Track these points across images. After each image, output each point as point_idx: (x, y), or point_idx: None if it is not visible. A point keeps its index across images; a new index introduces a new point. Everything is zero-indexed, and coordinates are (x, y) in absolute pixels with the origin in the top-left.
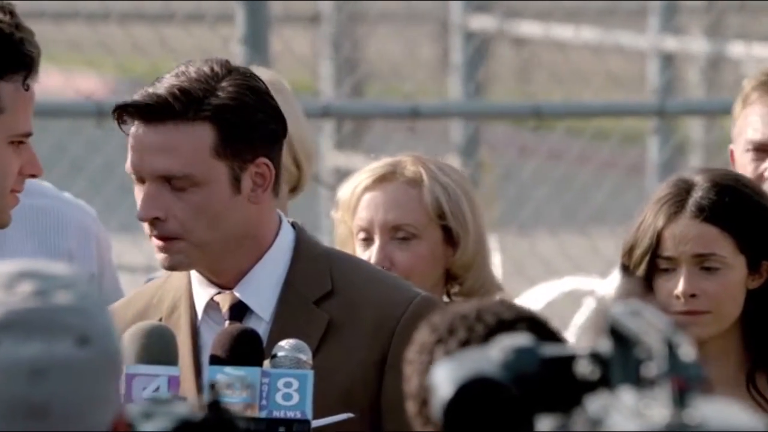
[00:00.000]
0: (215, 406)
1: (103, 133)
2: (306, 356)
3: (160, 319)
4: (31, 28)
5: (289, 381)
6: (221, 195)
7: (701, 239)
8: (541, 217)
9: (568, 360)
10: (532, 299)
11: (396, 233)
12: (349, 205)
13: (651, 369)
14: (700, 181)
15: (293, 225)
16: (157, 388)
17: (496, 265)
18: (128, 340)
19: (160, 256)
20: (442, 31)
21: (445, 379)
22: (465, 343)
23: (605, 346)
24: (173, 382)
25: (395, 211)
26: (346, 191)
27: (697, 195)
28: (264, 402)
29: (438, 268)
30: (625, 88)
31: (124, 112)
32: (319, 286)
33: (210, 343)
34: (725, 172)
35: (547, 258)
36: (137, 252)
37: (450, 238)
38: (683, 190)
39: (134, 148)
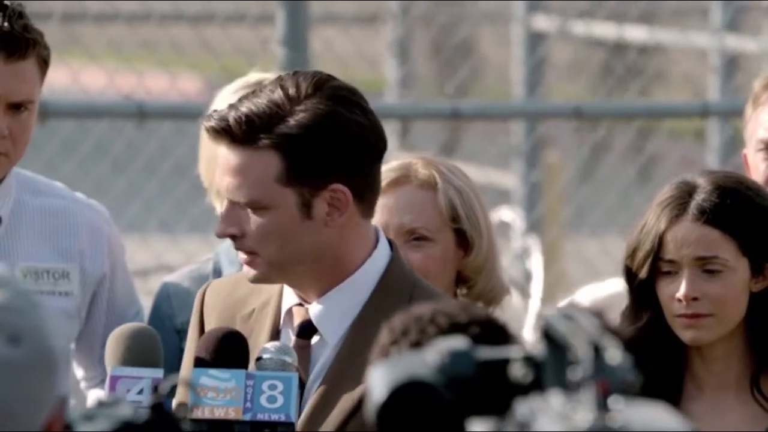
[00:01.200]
0: (159, 409)
1: (144, 133)
2: (291, 359)
3: (254, 310)
4: (40, 30)
5: (273, 383)
6: (289, 219)
7: (703, 242)
8: (614, 219)
9: (503, 363)
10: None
11: (410, 236)
12: None
13: (577, 372)
14: (703, 184)
15: (392, 247)
16: (141, 390)
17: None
18: (112, 341)
19: (245, 269)
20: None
21: (379, 382)
22: (416, 345)
23: (539, 349)
24: (157, 384)
25: (410, 214)
26: None
27: (699, 198)
28: (248, 404)
29: (450, 270)
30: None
31: (206, 131)
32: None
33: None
34: (728, 174)
35: (618, 259)
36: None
37: (461, 240)
38: (686, 192)
39: (218, 166)
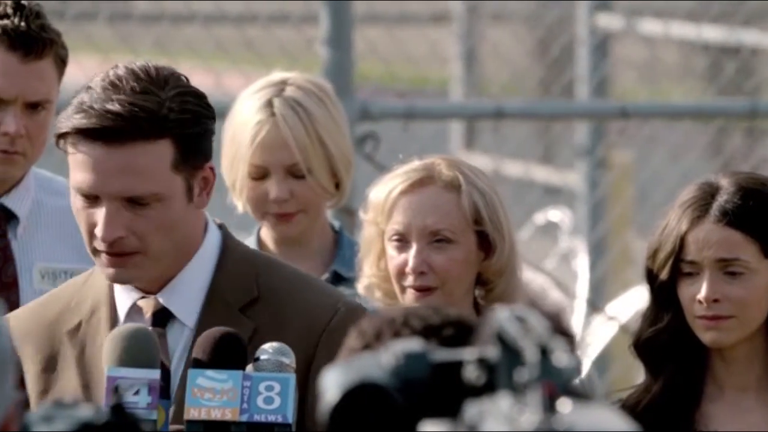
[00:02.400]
0: (118, 409)
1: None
2: (289, 360)
3: (80, 322)
4: (57, 29)
5: (270, 384)
6: (178, 206)
7: (725, 244)
8: None
9: (457, 366)
10: (629, 302)
11: (434, 238)
12: (384, 208)
13: (523, 374)
14: (726, 185)
15: (220, 227)
16: (138, 392)
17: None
18: (109, 342)
19: (111, 271)
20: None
21: (332, 384)
22: None
23: (492, 351)
24: (153, 385)
25: (434, 215)
26: (379, 194)
27: (721, 199)
28: (245, 406)
29: (471, 272)
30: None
31: (79, 134)
32: (245, 293)
33: None
34: (752, 175)
35: None
36: None
37: (483, 243)
38: (708, 194)
39: (93, 169)
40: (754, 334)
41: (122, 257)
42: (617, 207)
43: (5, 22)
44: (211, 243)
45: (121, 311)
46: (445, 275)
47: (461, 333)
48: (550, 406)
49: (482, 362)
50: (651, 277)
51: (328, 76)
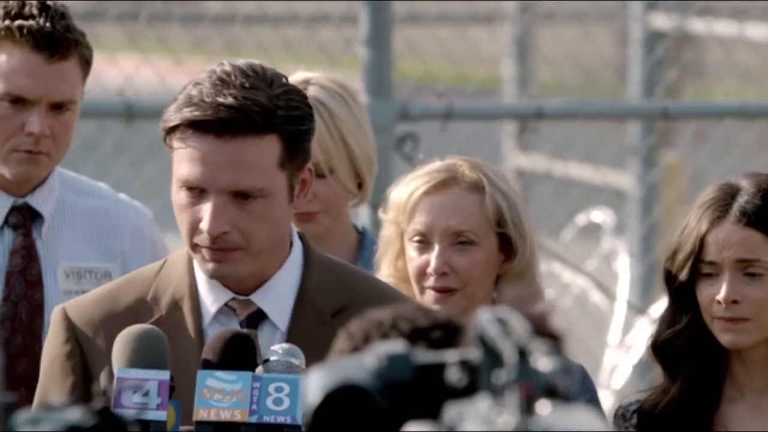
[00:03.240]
0: (106, 412)
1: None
2: (299, 361)
3: (160, 317)
4: (83, 30)
5: (280, 386)
6: (282, 204)
7: (745, 245)
8: None
9: (440, 368)
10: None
11: (456, 239)
12: (405, 209)
13: (501, 376)
14: (746, 186)
15: (299, 234)
16: (147, 392)
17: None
18: (119, 343)
19: (211, 266)
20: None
21: (315, 385)
22: None
23: (474, 353)
24: (163, 386)
25: (457, 217)
26: (401, 194)
27: (741, 200)
28: (255, 407)
29: (492, 275)
30: None
31: (191, 126)
32: (335, 299)
33: None
34: None
35: None
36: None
37: (504, 245)
38: (728, 195)
39: (202, 162)
40: None
41: (224, 252)
42: (666, 207)
43: (30, 22)
44: (298, 248)
45: (210, 309)
46: (467, 277)
47: (450, 335)
48: (527, 408)
49: (464, 364)
50: (669, 278)
51: (367, 77)
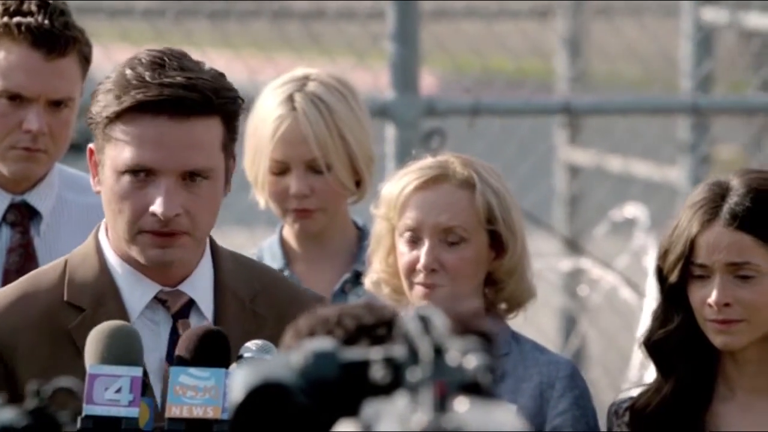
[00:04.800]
0: (40, 413)
1: None
2: (272, 357)
3: (85, 317)
4: (82, 27)
5: None
6: (221, 188)
7: (735, 247)
8: None
9: (365, 365)
10: None
11: (446, 235)
12: (396, 204)
13: (416, 373)
14: (736, 186)
15: None
16: (119, 389)
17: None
18: (92, 340)
19: (155, 252)
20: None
21: (239, 383)
22: None
23: (399, 350)
24: (135, 382)
25: (447, 213)
26: (392, 190)
27: (731, 201)
28: (227, 404)
29: (481, 272)
30: None
31: (141, 108)
32: (248, 287)
33: (148, 342)
34: (762, 175)
35: None
36: None
37: (494, 242)
38: (718, 195)
39: (155, 143)
40: (766, 336)
41: (171, 237)
42: None
43: (29, 19)
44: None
45: (138, 304)
46: (456, 273)
47: (395, 332)
48: (441, 406)
49: (388, 362)
50: (661, 277)
51: (393, 72)
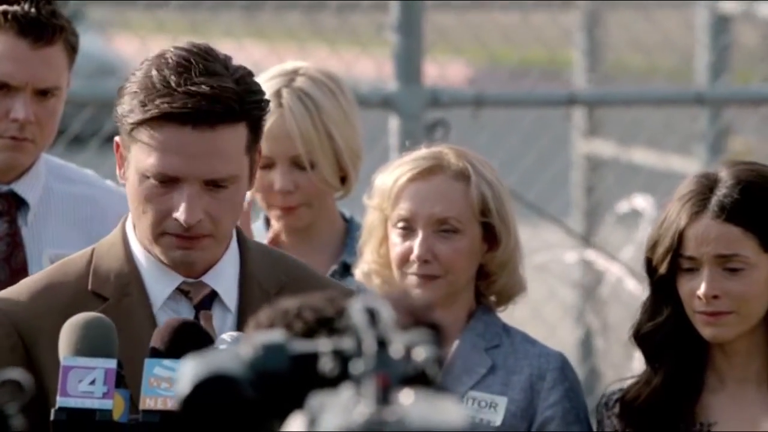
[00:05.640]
0: None
1: None
2: None
3: (108, 306)
4: (67, 16)
5: None
6: (245, 188)
7: (723, 240)
8: None
9: (315, 357)
10: None
11: (440, 226)
12: (390, 195)
13: (359, 365)
14: (724, 178)
15: None
16: (93, 381)
17: None
18: (65, 331)
19: (179, 254)
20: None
21: (186, 375)
22: None
23: (348, 342)
24: (109, 374)
25: (441, 204)
26: (386, 180)
27: (719, 193)
28: None
29: (474, 263)
30: None
31: (166, 117)
32: (275, 279)
33: None
34: (751, 167)
35: None
36: None
37: (487, 235)
38: (706, 187)
39: (178, 152)
40: (755, 327)
41: (196, 240)
42: None
43: (15, 8)
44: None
45: (161, 295)
46: (449, 265)
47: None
48: (384, 398)
49: (337, 354)
50: (650, 269)
51: (397, 63)
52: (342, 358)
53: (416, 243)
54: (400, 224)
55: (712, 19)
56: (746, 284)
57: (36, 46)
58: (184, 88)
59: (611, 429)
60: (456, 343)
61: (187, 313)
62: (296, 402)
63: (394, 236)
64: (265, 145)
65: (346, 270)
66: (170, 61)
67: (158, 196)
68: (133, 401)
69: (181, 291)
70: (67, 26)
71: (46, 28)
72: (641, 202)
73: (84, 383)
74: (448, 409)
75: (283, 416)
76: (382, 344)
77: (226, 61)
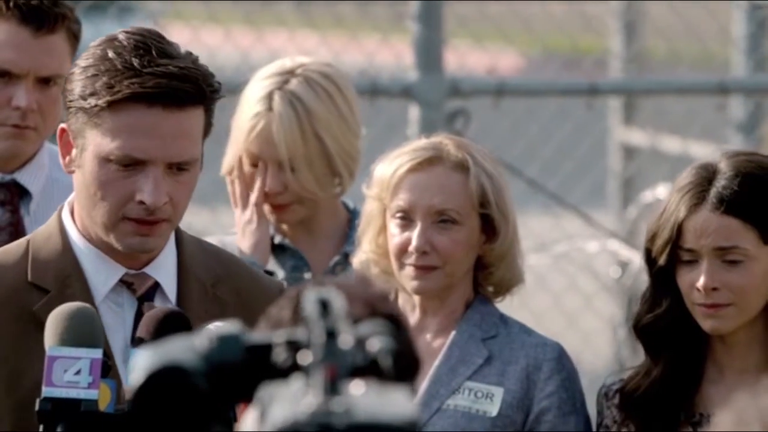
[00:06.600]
0: None
1: None
2: None
3: (51, 297)
4: (70, 4)
5: None
6: (198, 174)
7: (722, 232)
8: None
9: (269, 348)
10: None
11: (438, 218)
12: (389, 185)
13: (307, 356)
14: (723, 169)
15: None
16: (79, 371)
17: None
18: (51, 321)
19: (136, 240)
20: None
21: (139, 365)
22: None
23: (302, 333)
24: (95, 364)
25: (441, 195)
26: (385, 170)
27: (718, 185)
28: None
29: (473, 255)
30: None
31: (135, 98)
32: (209, 271)
33: (112, 324)
34: (751, 158)
35: None
36: None
37: (486, 226)
38: (705, 179)
39: (147, 134)
40: (755, 318)
41: (154, 225)
42: None
43: None
44: None
45: (103, 287)
46: (448, 256)
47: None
48: (332, 389)
49: (291, 344)
50: (650, 260)
51: (417, 52)
52: (295, 349)
53: (414, 234)
54: (399, 215)
55: (750, 7)
56: (745, 276)
57: (38, 34)
58: (151, 69)
59: (611, 419)
60: (453, 334)
61: (129, 304)
62: (249, 393)
63: (393, 227)
64: (254, 146)
65: (348, 260)
66: (126, 44)
67: (120, 180)
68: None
69: (124, 282)
70: (69, 14)
71: (48, 16)
72: (663, 191)
73: (69, 373)
74: (398, 401)
75: (235, 407)
76: (331, 335)
77: (175, 45)
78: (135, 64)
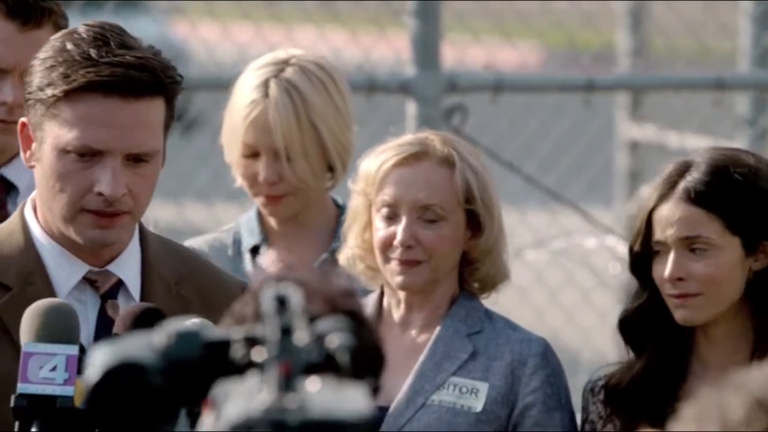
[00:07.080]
0: None
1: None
2: None
3: (12, 294)
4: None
5: None
6: (160, 167)
7: (686, 222)
8: None
9: (227, 345)
10: None
11: (424, 213)
12: (374, 180)
13: (262, 353)
14: (699, 162)
15: None
16: (55, 367)
17: None
18: (27, 317)
19: (96, 232)
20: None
21: (95, 362)
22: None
23: (260, 329)
24: (71, 361)
25: (426, 190)
26: (371, 165)
27: (689, 177)
28: None
29: (458, 250)
30: None
31: (91, 87)
32: (173, 269)
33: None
34: (727, 153)
35: None
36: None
37: (471, 222)
38: (679, 171)
39: (105, 124)
40: (736, 312)
41: (113, 217)
42: None
43: None
44: None
45: (66, 284)
46: (433, 251)
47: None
48: (286, 385)
49: (250, 341)
50: (630, 253)
51: (414, 48)
52: (253, 346)
53: (399, 228)
54: (384, 209)
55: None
56: (711, 265)
57: (24, 28)
58: (108, 59)
59: (596, 415)
60: (438, 329)
61: (92, 302)
62: (207, 390)
63: (378, 221)
64: (250, 135)
65: (336, 257)
66: (85, 36)
67: (78, 171)
68: None
69: (87, 280)
70: (56, 9)
71: (35, 11)
72: None
73: (45, 369)
74: (353, 398)
75: (193, 404)
76: (287, 332)
77: (137, 39)
78: (92, 54)
